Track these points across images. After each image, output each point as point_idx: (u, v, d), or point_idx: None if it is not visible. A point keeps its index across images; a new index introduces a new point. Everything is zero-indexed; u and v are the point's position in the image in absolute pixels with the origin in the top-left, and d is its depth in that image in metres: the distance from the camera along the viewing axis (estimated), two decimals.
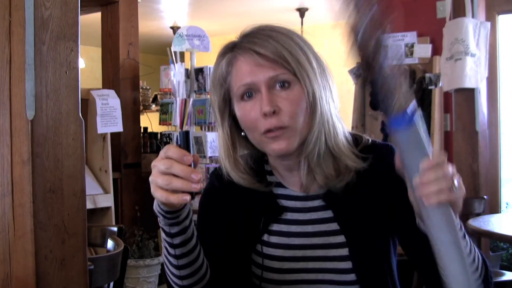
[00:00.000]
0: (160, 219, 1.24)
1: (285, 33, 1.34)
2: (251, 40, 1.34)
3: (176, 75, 5.03)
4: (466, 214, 3.71)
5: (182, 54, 5.09)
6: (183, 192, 1.12)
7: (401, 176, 1.12)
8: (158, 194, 1.15)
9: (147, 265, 4.78)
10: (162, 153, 1.15)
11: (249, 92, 1.33)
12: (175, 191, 1.13)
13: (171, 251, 1.28)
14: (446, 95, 4.66)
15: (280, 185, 1.45)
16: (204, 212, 1.51)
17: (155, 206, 1.23)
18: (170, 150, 1.14)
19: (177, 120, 5.09)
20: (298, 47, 1.33)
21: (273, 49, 1.30)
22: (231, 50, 1.37)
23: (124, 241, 2.43)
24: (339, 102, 1.40)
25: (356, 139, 1.42)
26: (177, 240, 1.26)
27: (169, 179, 1.12)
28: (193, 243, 1.29)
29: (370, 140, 1.43)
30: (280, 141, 1.31)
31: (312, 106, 1.32)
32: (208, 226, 1.47)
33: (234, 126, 1.42)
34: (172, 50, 5.03)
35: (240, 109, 1.35)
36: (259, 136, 1.33)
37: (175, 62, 5.03)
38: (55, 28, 1.73)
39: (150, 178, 1.17)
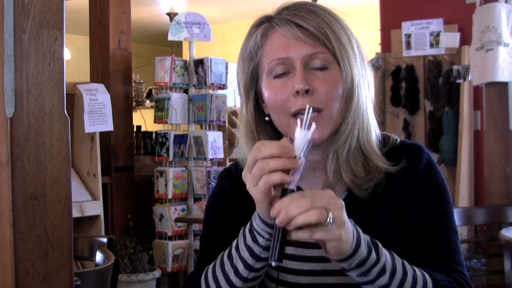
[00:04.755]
0: (261, 240, 1.25)
1: (328, 11, 1.36)
2: (291, 12, 1.34)
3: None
4: (499, 223, 3.70)
5: (180, 44, 5.10)
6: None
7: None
8: (264, 182, 1.14)
9: (140, 281, 4.78)
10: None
11: (281, 69, 1.34)
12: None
13: (244, 273, 1.28)
14: (476, 90, 4.64)
15: (298, 188, 1.44)
16: (213, 217, 1.50)
17: (258, 225, 1.24)
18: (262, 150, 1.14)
19: (174, 118, 5.09)
20: (341, 27, 1.35)
21: (315, 24, 1.32)
22: (267, 21, 1.38)
23: (114, 254, 2.43)
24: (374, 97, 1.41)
25: (384, 139, 1.43)
26: (259, 264, 1.28)
27: (263, 163, 1.13)
28: (265, 269, 1.31)
29: (398, 140, 1.45)
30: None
31: (349, 93, 1.33)
32: (217, 233, 1.47)
33: (258, 109, 1.43)
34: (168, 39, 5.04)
35: (269, 87, 1.36)
36: (287, 119, 1.34)
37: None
38: (37, 14, 1.72)
39: (250, 189, 1.18)
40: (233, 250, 1.30)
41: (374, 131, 1.40)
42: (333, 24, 1.33)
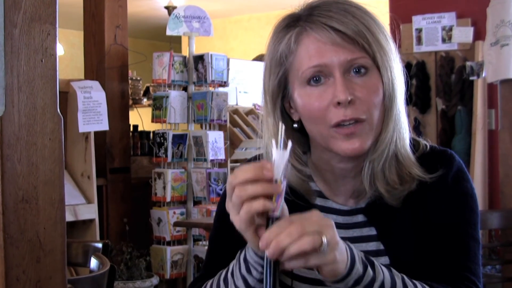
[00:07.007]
0: (254, 273, 1.23)
1: (362, 9, 1.33)
2: (325, 13, 1.30)
3: None
4: None
5: (179, 39, 5.10)
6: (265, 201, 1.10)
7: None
8: (245, 211, 1.11)
9: None
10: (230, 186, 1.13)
11: (317, 76, 1.30)
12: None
13: None
14: (491, 87, 4.63)
15: (319, 194, 1.44)
16: (226, 217, 1.48)
17: (251, 257, 1.22)
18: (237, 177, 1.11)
19: (172, 117, 5.09)
20: (378, 27, 1.32)
21: (353, 27, 1.28)
22: (297, 22, 1.33)
23: (110, 260, 2.43)
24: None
25: (413, 145, 1.42)
26: None
27: (240, 189, 1.10)
28: None
29: (428, 147, 1.43)
30: (354, 139, 1.29)
31: (389, 100, 1.32)
32: (228, 235, 1.45)
33: (284, 116, 1.39)
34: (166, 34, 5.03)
35: (305, 96, 1.32)
36: (327, 130, 1.30)
37: None
38: (28, 8, 1.72)
39: (232, 219, 1.15)
40: (229, 275, 1.28)
41: (408, 134, 1.38)
42: (371, 25, 1.30)
